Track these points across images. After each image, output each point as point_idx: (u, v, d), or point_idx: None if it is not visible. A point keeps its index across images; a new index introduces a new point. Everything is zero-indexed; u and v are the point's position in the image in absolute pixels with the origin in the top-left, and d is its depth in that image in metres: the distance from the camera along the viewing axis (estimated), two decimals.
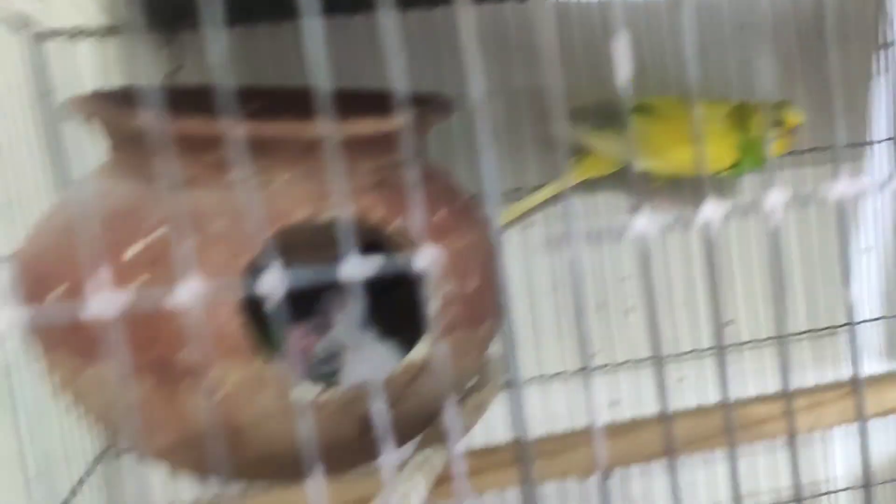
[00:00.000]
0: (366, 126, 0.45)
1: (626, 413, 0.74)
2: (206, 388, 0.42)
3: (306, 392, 0.43)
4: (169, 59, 0.64)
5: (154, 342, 0.42)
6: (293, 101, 0.51)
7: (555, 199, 0.71)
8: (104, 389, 0.44)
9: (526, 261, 0.72)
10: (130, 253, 0.43)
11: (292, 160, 0.44)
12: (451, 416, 0.48)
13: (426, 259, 0.40)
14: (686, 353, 0.75)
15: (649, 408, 0.75)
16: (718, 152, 0.68)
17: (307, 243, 0.48)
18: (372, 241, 0.47)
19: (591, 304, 0.74)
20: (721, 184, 0.75)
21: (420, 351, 0.46)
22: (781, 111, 0.67)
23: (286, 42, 0.65)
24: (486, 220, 0.54)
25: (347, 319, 0.55)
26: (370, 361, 0.52)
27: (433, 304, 0.45)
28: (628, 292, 0.75)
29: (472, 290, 0.47)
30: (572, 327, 0.74)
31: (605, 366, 0.74)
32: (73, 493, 0.58)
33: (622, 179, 0.73)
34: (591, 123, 0.70)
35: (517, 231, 0.72)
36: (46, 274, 0.45)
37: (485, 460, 0.46)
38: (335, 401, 0.44)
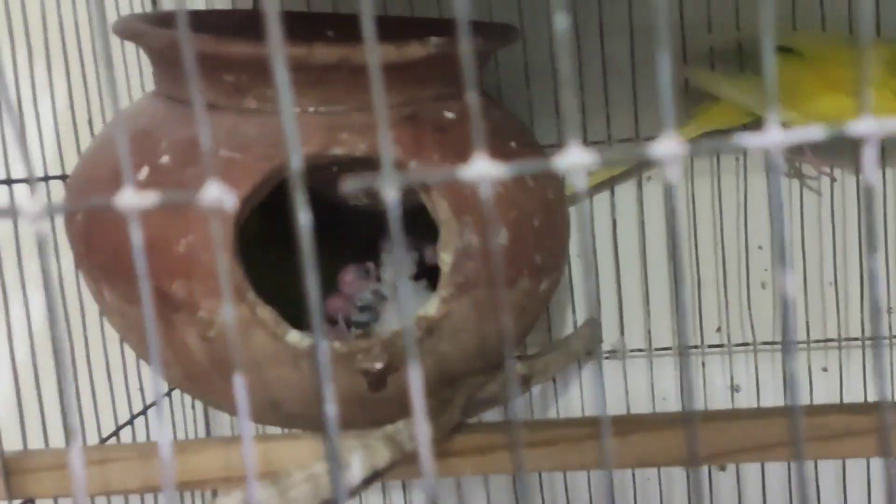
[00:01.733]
0: (380, 52, 0.40)
1: (744, 402, 0.66)
2: (199, 324, 0.40)
3: (301, 339, 0.41)
4: None
5: (152, 271, 0.41)
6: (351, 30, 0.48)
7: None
8: (127, 318, 0.44)
9: (638, 221, 0.65)
10: (141, 176, 0.42)
11: (307, 88, 0.41)
12: (477, 382, 0.44)
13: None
14: (828, 340, 0.65)
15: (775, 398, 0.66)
16: (875, 105, 0.57)
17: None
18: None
19: (711, 275, 0.65)
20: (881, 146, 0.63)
21: (432, 307, 0.41)
22: None
23: None
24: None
25: (392, 267, 0.51)
26: (402, 314, 0.48)
27: (445, 258, 0.41)
28: (763, 263, 0.66)
29: (498, 247, 0.42)
30: (687, 298, 0.66)
31: (720, 346, 0.66)
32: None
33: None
34: (721, 66, 0.62)
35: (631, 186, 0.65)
36: (81, 189, 0.45)
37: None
38: (334, 352, 0.41)
